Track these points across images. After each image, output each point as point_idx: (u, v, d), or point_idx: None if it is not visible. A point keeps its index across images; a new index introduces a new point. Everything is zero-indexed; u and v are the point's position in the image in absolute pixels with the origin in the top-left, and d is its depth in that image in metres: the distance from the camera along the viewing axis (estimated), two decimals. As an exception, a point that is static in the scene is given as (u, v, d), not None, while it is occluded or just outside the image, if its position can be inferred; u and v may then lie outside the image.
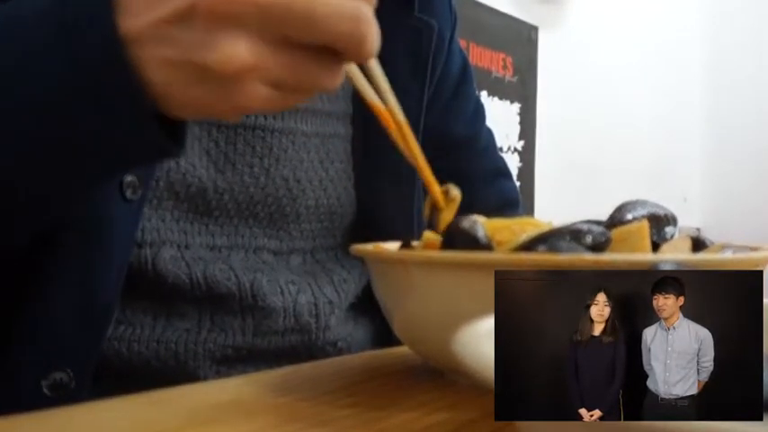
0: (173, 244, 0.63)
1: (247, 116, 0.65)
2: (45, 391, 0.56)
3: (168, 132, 0.44)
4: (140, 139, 0.44)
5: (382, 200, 0.74)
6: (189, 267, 0.63)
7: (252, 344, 0.65)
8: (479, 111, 0.91)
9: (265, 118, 0.66)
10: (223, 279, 0.64)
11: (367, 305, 0.73)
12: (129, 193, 0.58)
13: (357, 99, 0.73)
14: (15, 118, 0.44)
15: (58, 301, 0.57)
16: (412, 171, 0.73)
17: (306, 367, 0.60)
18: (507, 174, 0.93)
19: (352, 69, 0.48)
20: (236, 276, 0.64)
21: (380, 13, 0.73)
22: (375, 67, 0.49)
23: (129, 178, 0.57)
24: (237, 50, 0.39)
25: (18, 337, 0.57)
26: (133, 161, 0.50)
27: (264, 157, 0.66)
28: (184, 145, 0.46)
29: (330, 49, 0.41)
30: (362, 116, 0.73)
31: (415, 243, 0.54)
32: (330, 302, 0.70)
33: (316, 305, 0.68)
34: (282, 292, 0.67)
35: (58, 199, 0.50)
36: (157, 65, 0.41)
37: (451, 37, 0.85)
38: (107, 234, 0.57)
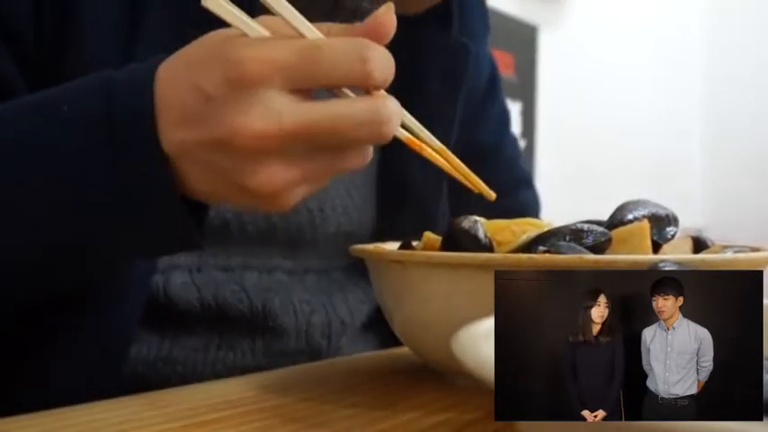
0: (184, 269, 0.62)
1: None
2: None
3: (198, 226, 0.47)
4: (172, 237, 0.47)
5: (402, 224, 0.73)
6: (200, 291, 0.62)
7: (260, 364, 0.64)
8: (505, 119, 0.90)
9: None
10: (235, 301, 0.63)
11: (376, 323, 0.73)
12: None
13: None
14: (52, 220, 0.46)
15: (74, 337, 0.56)
16: (436, 196, 0.73)
17: (306, 368, 0.60)
18: (529, 182, 0.93)
19: None
20: (249, 298, 0.64)
21: (419, 33, 0.73)
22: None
23: None
24: (273, 174, 0.42)
25: (26, 382, 0.56)
26: (157, 254, 0.54)
27: None
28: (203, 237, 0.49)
29: None
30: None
31: (415, 243, 0.54)
32: (343, 323, 0.69)
33: (329, 326, 0.68)
34: (296, 312, 0.66)
35: (74, 281, 0.54)
36: (196, 178, 0.44)
37: (484, 48, 0.85)
38: (123, 283, 0.57)
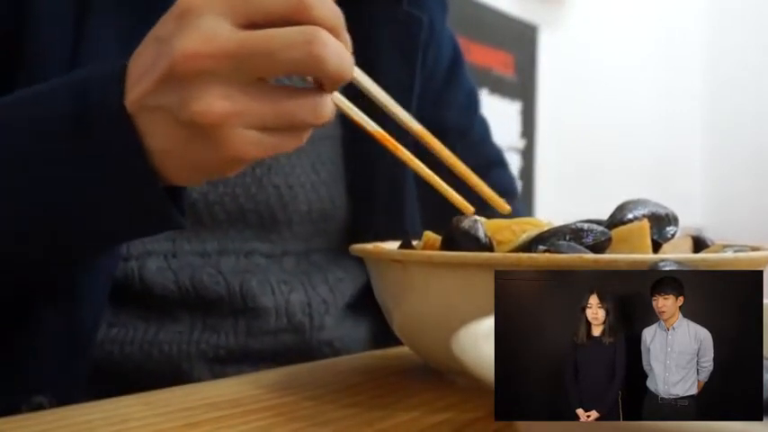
0: (159, 255, 0.63)
1: None
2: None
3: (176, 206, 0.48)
4: (148, 210, 0.48)
5: (374, 199, 0.74)
6: (176, 276, 0.63)
7: (245, 344, 0.65)
8: (472, 100, 0.90)
9: None
10: (212, 284, 0.64)
11: (365, 304, 0.73)
12: None
13: (347, 99, 0.74)
14: (27, 194, 0.47)
15: (40, 326, 0.56)
16: (402, 170, 0.73)
17: (305, 367, 0.60)
18: (502, 163, 0.92)
19: (340, 100, 0.50)
20: (225, 280, 0.64)
21: (369, 8, 0.73)
22: (365, 82, 0.49)
23: None
24: (213, 100, 0.42)
25: None
26: (138, 233, 0.54)
27: (257, 167, 0.66)
28: (186, 218, 0.50)
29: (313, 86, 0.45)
30: None
31: (415, 243, 0.54)
32: (324, 302, 0.69)
33: (309, 304, 0.68)
34: (274, 292, 0.66)
35: (60, 264, 0.55)
36: (154, 132, 0.45)
37: (442, 25, 0.85)
38: (84, 272, 0.57)
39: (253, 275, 0.66)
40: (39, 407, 0.55)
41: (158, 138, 0.44)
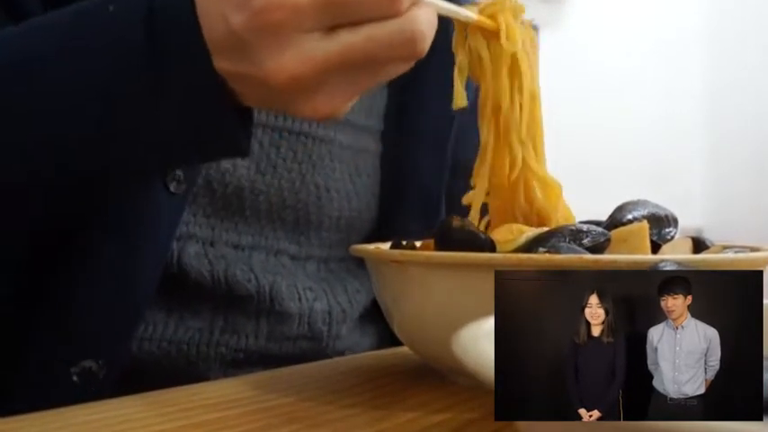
0: (198, 240, 0.63)
1: (293, 121, 0.66)
2: (74, 378, 0.56)
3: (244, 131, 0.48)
4: (218, 130, 0.47)
5: (405, 218, 0.74)
6: (211, 265, 0.63)
7: (264, 348, 0.65)
8: None
9: (309, 125, 0.67)
10: (243, 280, 0.64)
11: (374, 315, 0.74)
12: (173, 187, 0.58)
13: (388, 117, 0.74)
14: (95, 107, 0.46)
15: (94, 289, 0.57)
16: (439, 193, 0.74)
17: (306, 368, 0.60)
18: None
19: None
20: (257, 279, 0.64)
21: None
22: None
23: (174, 171, 0.58)
24: (320, 106, 0.43)
25: (51, 323, 0.57)
26: (203, 154, 0.52)
27: (303, 163, 0.67)
28: (250, 146, 0.49)
29: None
30: (392, 134, 0.74)
31: (404, 242, 0.55)
32: (343, 311, 0.70)
33: (330, 313, 0.69)
34: (300, 298, 0.67)
35: (117, 180, 0.53)
36: (229, 76, 0.44)
37: None
38: (148, 225, 0.57)
39: (282, 278, 0.66)
40: (88, 371, 0.56)
41: (233, 83, 0.44)
